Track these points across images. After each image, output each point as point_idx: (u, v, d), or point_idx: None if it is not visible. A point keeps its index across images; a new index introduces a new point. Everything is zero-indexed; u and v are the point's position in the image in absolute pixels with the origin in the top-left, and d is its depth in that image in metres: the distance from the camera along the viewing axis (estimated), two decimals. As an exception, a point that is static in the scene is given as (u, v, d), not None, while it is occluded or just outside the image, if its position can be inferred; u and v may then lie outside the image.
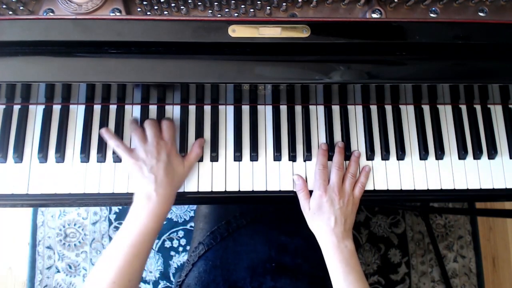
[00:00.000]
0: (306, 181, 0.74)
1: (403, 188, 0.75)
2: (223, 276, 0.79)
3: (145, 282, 1.44)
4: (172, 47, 0.64)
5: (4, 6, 0.65)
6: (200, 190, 0.73)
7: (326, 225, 0.69)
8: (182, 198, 0.74)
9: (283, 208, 0.89)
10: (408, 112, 0.79)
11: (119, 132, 0.75)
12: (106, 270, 0.60)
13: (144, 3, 0.67)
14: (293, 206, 0.73)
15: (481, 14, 0.70)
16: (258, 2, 0.67)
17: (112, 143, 0.71)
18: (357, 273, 0.67)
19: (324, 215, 0.70)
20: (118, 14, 0.66)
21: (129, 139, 0.75)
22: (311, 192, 0.73)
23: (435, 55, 0.67)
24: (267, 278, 0.77)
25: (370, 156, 0.76)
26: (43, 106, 0.75)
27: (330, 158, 0.75)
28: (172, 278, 1.45)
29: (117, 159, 0.74)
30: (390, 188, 0.75)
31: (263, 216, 0.86)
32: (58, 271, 1.46)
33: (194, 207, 1.50)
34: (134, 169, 0.68)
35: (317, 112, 0.78)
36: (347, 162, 0.75)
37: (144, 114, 0.76)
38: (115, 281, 0.59)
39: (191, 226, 1.49)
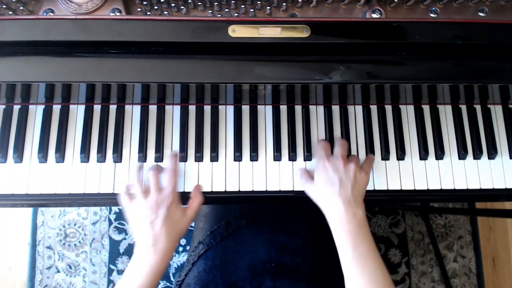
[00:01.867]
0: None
1: (403, 188, 0.75)
2: (222, 276, 0.79)
3: (145, 282, 1.44)
4: (172, 47, 0.64)
5: (4, 6, 0.65)
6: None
7: (331, 189, 0.65)
8: (182, 198, 0.74)
9: (283, 208, 0.88)
10: (408, 112, 0.79)
11: (118, 132, 0.75)
12: None
13: (144, 3, 0.67)
14: (293, 206, 0.73)
15: (481, 14, 0.70)
16: (258, 2, 0.67)
17: (123, 193, 0.70)
18: (367, 244, 0.62)
19: (328, 181, 0.66)
20: (118, 14, 0.66)
21: (129, 139, 0.75)
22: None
23: (435, 55, 0.67)
24: (266, 278, 0.77)
25: (370, 156, 0.76)
26: (43, 106, 0.75)
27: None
28: (172, 278, 1.45)
29: (116, 159, 0.74)
30: (390, 188, 0.75)
31: (263, 216, 0.86)
32: (58, 271, 1.45)
33: (194, 207, 1.50)
34: (133, 221, 0.68)
35: (317, 112, 0.78)
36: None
37: (144, 114, 0.76)
38: None
39: (191, 226, 1.48)
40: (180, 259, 1.46)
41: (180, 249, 1.47)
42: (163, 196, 0.68)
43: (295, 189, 0.74)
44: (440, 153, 0.76)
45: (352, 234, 0.62)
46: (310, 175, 0.72)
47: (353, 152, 0.76)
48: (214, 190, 0.74)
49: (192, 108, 0.77)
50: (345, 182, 0.65)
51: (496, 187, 0.76)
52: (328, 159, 0.68)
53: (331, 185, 0.66)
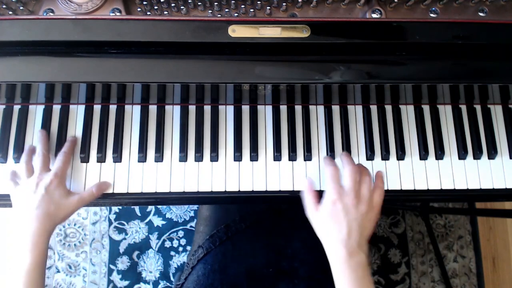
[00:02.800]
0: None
1: (403, 188, 0.75)
2: (221, 280, 0.78)
3: (145, 282, 1.44)
4: (172, 47, 0.64)
5: (4, 6, 0.65)
6: (200, 190, 0.73)
7: (337, 236, 0.61)
8: (182, 198, 0.74)
9: (282, 212, 0.88)
10: (408, 112, 0.79)
11: (118, 132, 0.75)
12: None
13: (144, 3, 0.67)
14: (293, 206, 0.73)
15: (481, 14, 0.70)
16: (258, 2, 0.67)
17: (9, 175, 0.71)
18: None
19: (336, 224, 0.62)
20: (118, 14, 0.66)
21: (129, 139, 0.75)
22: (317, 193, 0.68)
23: (435, 55, 0.67)
24: (265, 283, 0.77)
25: (370, 156, 0.76)
26: (43, 106, 0.75)
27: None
28: (172, 278, 1.45)
29: (116, 159, 0.74)
30: (390, 188, 0.75)
31: (262, 220, 0.86)
32: (58, 271, 1.45)
33: (194, 207, 1.50)
34: (13, 196, 0.68)
35: (317, 112, 0.78)
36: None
37: (144, 114, 0.76)
38: None
39: (191, 226, 1.49)
40: (180, 259, 1.46)
41: (180, 249, 1.47)
42: (45, 175, 0.67)
43: (295, 189, 0.74)
44: (440, 153, 0.76)
45: (353, 281, 0.59)
46: (316, 197, 0.66)
47: (354, 152, 0.76)
48: (214, 190, 0.73)
49: (192, 108, 0.77)
50: (354, 231, 0.61)
51: (496, 187, 0.76)
52: (339, 197, 0.63)
53: (338, 230, 0.61)
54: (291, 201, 0.74)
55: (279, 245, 0.82)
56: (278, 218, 0.87)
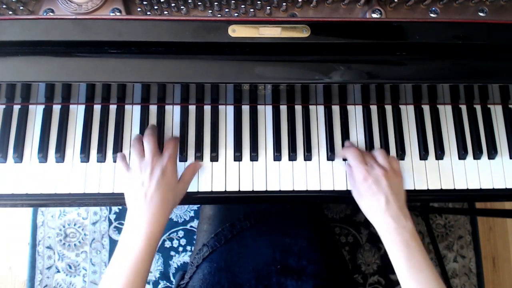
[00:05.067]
0: (307, 180, 0.74)
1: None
2: (227, 278, 0.79)
3: (145, 282, 1.44)
4: (172, 47, 0.64)
5: (4, 6, 0.65)
6: (200, 190, 0.73)
7: (378, 207, 0.65)
8: (183, 198, 0.74)
9: (286, 210, 0.88)
10: (408, 112, 0.79)
11: (118, 132, 0.75)
12: None
13: (144, 3, 0.67)
14: (295, 207, 0.73)
15: (481, 14, 0.70)
16: (258, 2, 0.67)
17: (118, 158, 0.71)
18: (420, 256, 0.62)
19: (373, 197, 0.66)
20: (118, 14, 0.66)
21: (130, 139, 0.75)
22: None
23: (435, 55, 0.67)
24: (272, 280, 0.77)
25: (370, 156, 0.76)
26: (43, 106, 0.75)
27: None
28: (172, 278, 1.45)
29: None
30: (390, 188, 0.75)
31: (266, 218, 0.86)
32: (58, 271, 1.45)
33: (195, 207, 1.50)
34: (126, 184, 0.67)
35: (317, 112, 0.78)
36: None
37: (144, 114, 0.76)
38: None
39: (191, 226, 1.49)
40: (180, 259, 1.46)
41: (180, 249, 1.47)
42: (159, 158, 0.67)
43: (295, 189, 0.74)
44: (440, 153, 0.76)
45: (404, 246, 0.62)
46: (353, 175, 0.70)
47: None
48: (214, 190, 0.74)
49: (192, 108, 0.77)
50: (391, 197, 0.65)
51: (496, 187, 0.76)
52: (367, 172, 0.67)
53: (376, 201, 0.66)
54: (291, 201, 0.74)
55: (285, 243, 0.83)
56: (283, 216, 0.87)
